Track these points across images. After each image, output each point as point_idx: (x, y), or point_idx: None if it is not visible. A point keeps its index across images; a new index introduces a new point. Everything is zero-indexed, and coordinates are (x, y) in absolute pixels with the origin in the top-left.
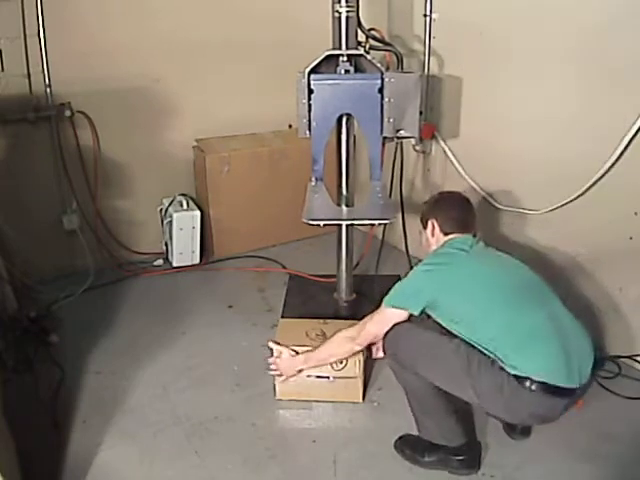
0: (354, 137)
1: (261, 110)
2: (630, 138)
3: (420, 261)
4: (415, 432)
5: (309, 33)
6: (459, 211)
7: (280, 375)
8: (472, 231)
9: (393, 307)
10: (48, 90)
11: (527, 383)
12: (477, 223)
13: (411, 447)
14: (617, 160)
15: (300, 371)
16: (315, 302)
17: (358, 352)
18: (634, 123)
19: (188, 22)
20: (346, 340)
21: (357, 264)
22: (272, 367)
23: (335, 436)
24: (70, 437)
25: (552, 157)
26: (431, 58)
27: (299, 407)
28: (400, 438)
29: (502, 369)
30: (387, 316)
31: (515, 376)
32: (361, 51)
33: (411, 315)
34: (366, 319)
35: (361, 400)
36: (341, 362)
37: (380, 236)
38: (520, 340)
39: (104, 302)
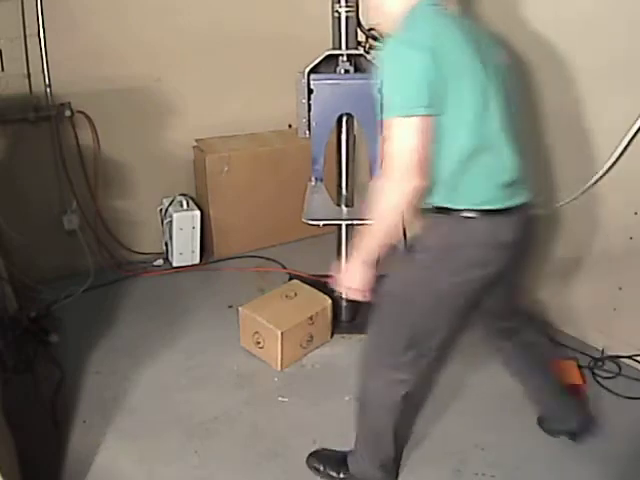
0: (354, 137)
1: (261, 110)
2: (630, 138)
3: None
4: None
5: (310, 33)
6: None
7: (357, 290)
8: None
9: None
10: (48, 90)
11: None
12: None
13: (324, 462)
14: (617, 160)
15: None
16: None
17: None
18: (634, 123)
19: (188, 22)
20: (383, 187)
21: None
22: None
23: (335, 436)
24: (70, 437)
25: (552, 157)
26: None
27: (299, 407)
28: (312, 454)
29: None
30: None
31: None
32: (361, 51)
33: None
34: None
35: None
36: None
37: None
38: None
39: (104, 302)
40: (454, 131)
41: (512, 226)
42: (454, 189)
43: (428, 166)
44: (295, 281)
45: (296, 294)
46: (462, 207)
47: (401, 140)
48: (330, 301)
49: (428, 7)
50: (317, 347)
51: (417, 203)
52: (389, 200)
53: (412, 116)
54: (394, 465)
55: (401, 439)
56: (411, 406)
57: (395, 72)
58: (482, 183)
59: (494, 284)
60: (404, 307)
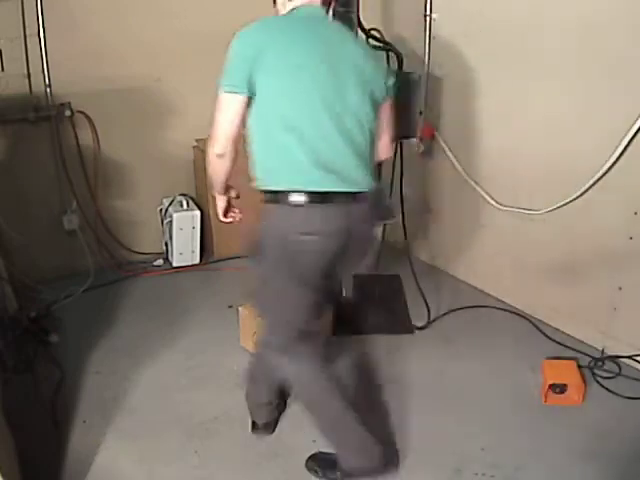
0: None
1: None
2: (630, 138)
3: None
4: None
5: None
6: None
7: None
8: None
9: (225, 92)
10: (48, 90)
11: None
12: None
13: (322, 465)
14: (617, 160)
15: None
16: None
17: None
18: (634, 123)
19: (188, 22)
20: (208, 150)
21: None
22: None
23: None
24: (70, 437)
25: (552, 157)
26: (431, 58)
27: (299, 407)
28: (311, 457)
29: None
30: (221, 101)
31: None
32: None
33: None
34: None
35: None
36: None
37: (380, 236)
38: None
39: (104, 302)
40: (265, 114)
41: (334, 214)
42: (269, 170)
43: (233, 138)
44: None
45: None
46: (279, 188)
47: (216, 112)
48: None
49: (298, 11)
50: None
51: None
52: (207, 157)
53: (224, 93)
54: (374, 447)
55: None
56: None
57: (226, 56)
58: (291, 165)
59: (332, 262)
60: (265, 290)
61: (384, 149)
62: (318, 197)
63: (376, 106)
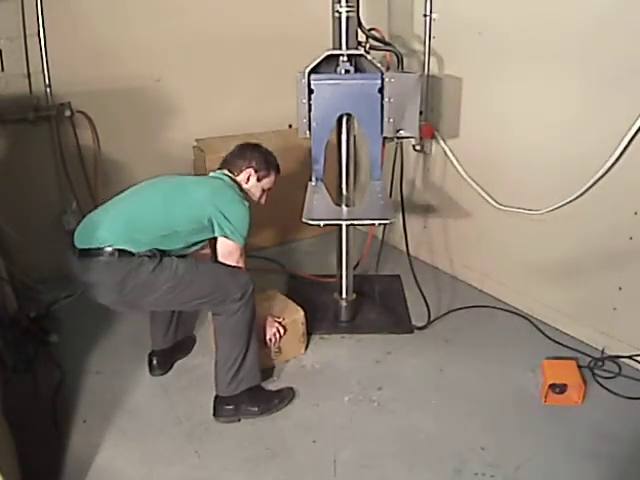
0: (354, 137)
1: (261, 110)
2: (630, 138)
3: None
4: None
5: (310, 33)
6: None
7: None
8: (225, 168)
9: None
10: (48, 90)
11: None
12: (238, 164)
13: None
14: (617, 160)
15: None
16: (315, 302)
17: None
18: (634, 123)
19: (189, 22)
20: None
21: (357, 264)
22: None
23: (335, 436)
24: (70, 437)
25: (552, 157)
26: (431, 58)
27: (299, 407)
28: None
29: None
30: (239, 250)
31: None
32: (361, 51)
33: None
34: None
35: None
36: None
37: (380, 236)
38: None
39: None
40: None
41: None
42: None
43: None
44: (273, 291)
45: (270, 304)
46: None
47: (235, 256)
48: (302, 313)
49: None
50: (288, 360)
51: None
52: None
53: (242, 245)
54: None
55: None
56: None
57: (241, 214)
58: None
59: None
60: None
61: None
62: None
63: None
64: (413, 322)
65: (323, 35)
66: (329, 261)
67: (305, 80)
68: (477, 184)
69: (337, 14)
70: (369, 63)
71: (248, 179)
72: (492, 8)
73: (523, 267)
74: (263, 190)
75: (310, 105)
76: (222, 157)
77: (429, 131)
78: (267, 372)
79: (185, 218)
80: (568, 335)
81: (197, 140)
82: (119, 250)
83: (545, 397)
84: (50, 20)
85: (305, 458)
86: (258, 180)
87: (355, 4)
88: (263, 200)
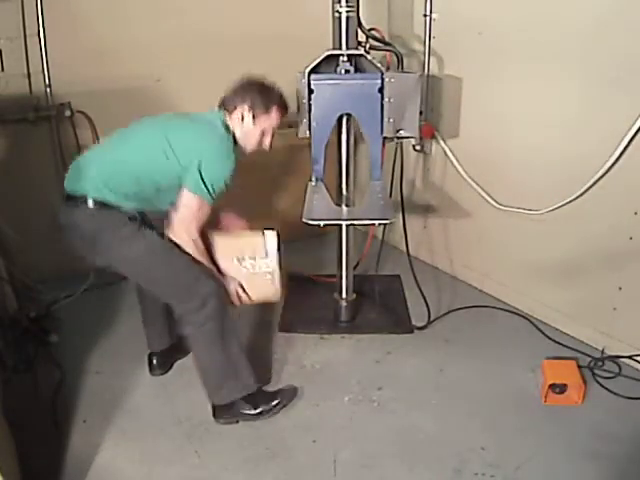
0: (354, 137)
1: None
2: (630, 138)
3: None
4: None
5: (310, 33)
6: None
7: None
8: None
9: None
10: (48, 90)
11: None
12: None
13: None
14: (617, 160)
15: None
16: (315, 302)
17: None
18: (634, 123)
19: (189, 22)
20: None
21: (357, 264)
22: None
23: (335, 436)
24: (70, 437)
25: (552, 157)
26: (431, 58)
27: (299, 407)
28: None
29: None
30: (200, 206)
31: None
32: (361, 51)
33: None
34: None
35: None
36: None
37: (380, 236)
38: None
39: (104, 302)
40: None
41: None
42: None
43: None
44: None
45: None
46: None
47: (192, 209)
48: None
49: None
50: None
51: None
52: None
53: (205, 203)
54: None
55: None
56: None
57: (218, 168)
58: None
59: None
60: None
61: None
62: None
63: None
64: (413, 322)
65: (323, 35)
66: (329, 261)
67: (305, 80)
68: (477, 184)
69: (337, 14)
70: (369, 63)
71: (242, 118)
72: (492, 8)
73: (523, 267)
74: (263, 132)
75: (310, 105)
76: None
77: (429, 131)
78: (266, 374)
79: (165, 173)
80: (568, 335)
81: None
82: (100, 203)
83: (545, 397)
84: (50, 20)
85: (305, 458)
86: (254, 119)
87: (355, 4)
88: (267, 143)
